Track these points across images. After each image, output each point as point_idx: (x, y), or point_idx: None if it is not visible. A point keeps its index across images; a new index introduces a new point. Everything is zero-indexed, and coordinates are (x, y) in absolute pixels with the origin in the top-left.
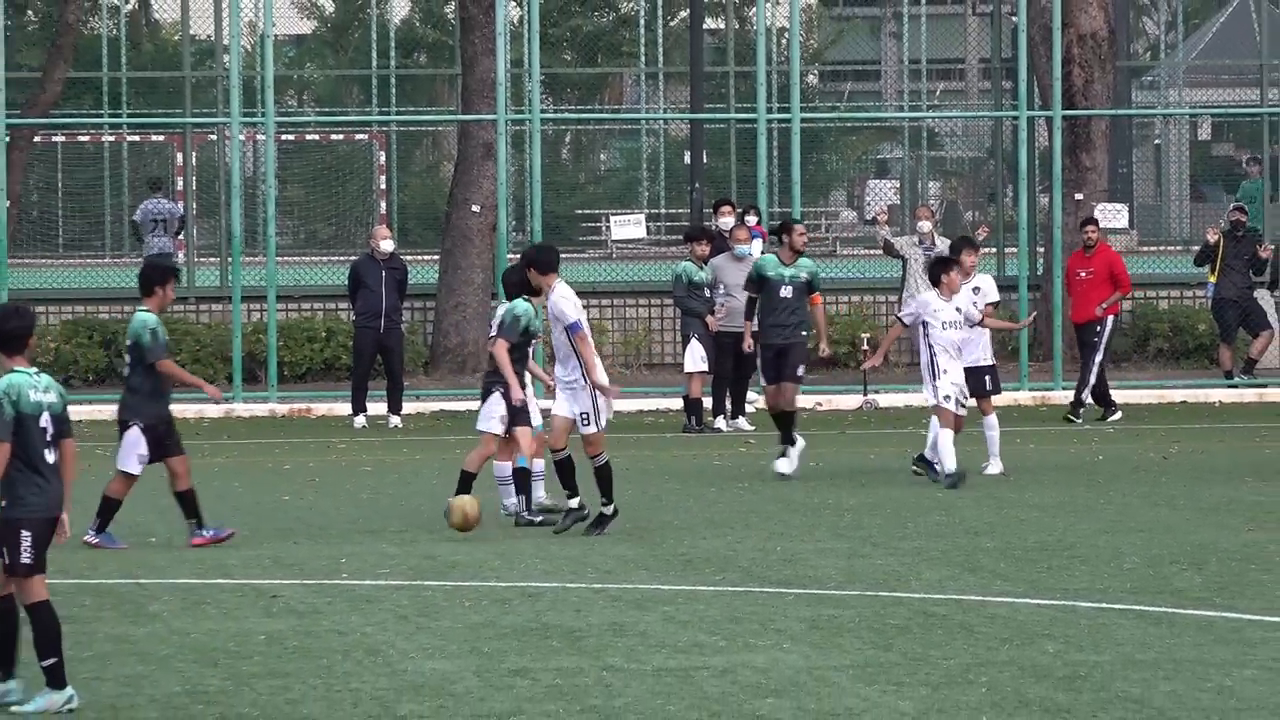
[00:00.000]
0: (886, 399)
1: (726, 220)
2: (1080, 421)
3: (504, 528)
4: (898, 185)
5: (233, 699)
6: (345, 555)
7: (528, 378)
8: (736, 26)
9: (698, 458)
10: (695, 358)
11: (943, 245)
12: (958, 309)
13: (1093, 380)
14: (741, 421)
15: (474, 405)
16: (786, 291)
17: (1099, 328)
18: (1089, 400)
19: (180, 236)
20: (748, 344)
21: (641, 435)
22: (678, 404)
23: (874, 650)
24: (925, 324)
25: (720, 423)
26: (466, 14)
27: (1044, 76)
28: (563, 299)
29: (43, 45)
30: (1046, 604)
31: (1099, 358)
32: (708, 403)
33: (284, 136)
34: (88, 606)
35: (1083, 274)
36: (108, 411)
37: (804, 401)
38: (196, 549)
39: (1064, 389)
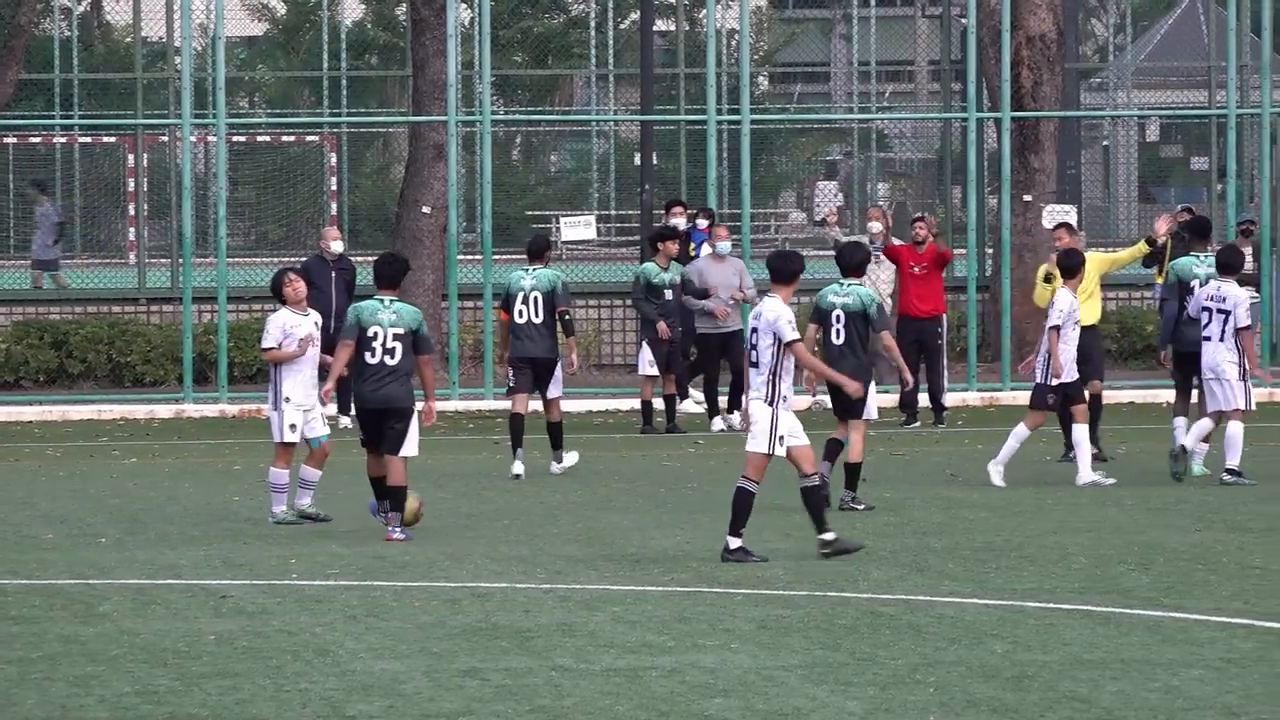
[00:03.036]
0: None
1: (678, 221)
2: (944, 426)
3: (453, 529)
4: (847, 186)
5: (182, 699)
6: (295, 555)
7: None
8: (687, 28)
9: (647, 458)
10: (644, 362)
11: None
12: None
13: (945, 384)
14: (717, 421)
15: (421, 405)
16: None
17: (939, 329)
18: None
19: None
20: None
21: (592, 436)
22: (628, 405)
23: (822, 650)
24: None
25: (718, 422)
26: (418, 16)
27: (993, 78)
28: None
29: None
30: (994, 604)
31: (944, 360)
32: (659, 404)
33: (235, 138)
34: (37, 607)
35: (916, 269)
36: (58, 412)
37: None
38: (145, 552)
39: (1013, 389)
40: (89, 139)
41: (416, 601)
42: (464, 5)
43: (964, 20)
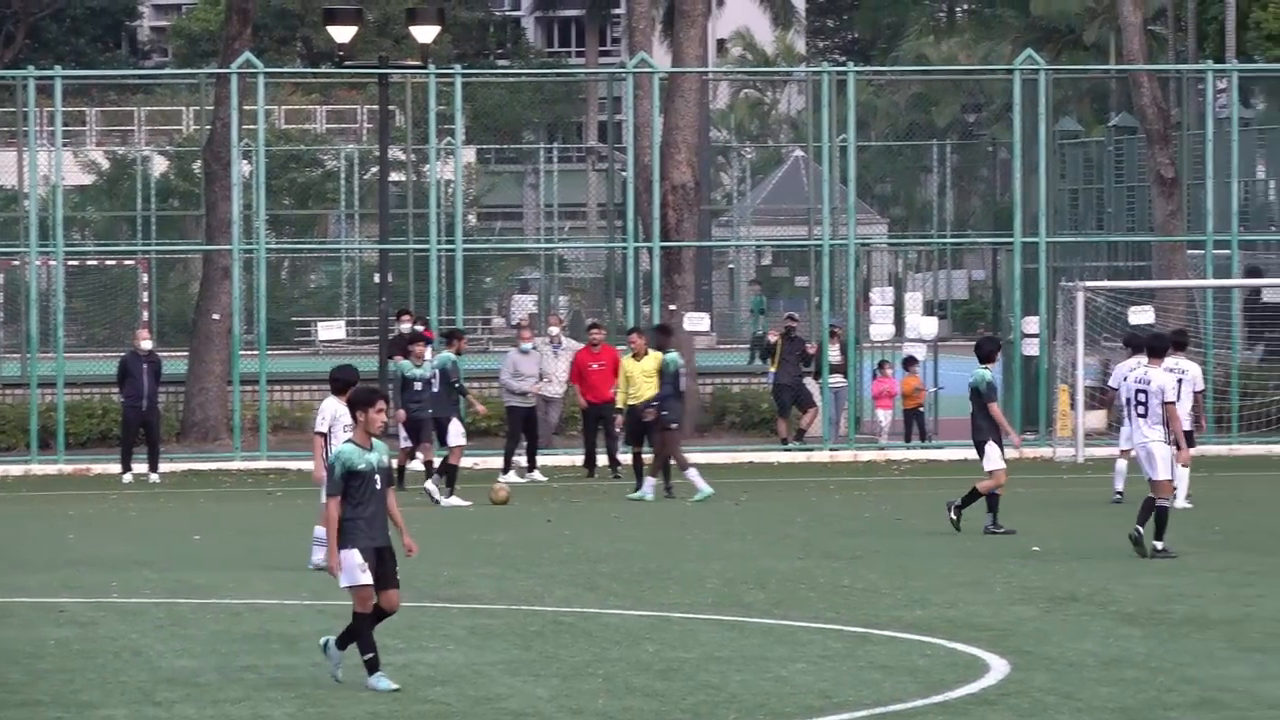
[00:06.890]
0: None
1: (405, 325)
2: (619, 476)
3: (236, 560)
4: (536, 299)
5: (30, 689)
6: (115, 579)
7: None
8: (415, 178)
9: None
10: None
11: (569, 343)
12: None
13: (620, 447)
14: (536, 474)
15: (215, 466)
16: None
17: (613, 409)
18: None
19: None
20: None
21: None
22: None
23: (517, 650)
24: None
25: (512, 475)
26: (209, 169)
27: (646, 216)
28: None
29: None
30: (648, 614)
31: (618, 429)
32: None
33: (70, 262)
34: None
35: (595, 366)
36: None
37: (464, 461)
38: (1, 577)
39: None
40: None
41: (209, 614)
42: (245, 161)
43: (624, 172)
